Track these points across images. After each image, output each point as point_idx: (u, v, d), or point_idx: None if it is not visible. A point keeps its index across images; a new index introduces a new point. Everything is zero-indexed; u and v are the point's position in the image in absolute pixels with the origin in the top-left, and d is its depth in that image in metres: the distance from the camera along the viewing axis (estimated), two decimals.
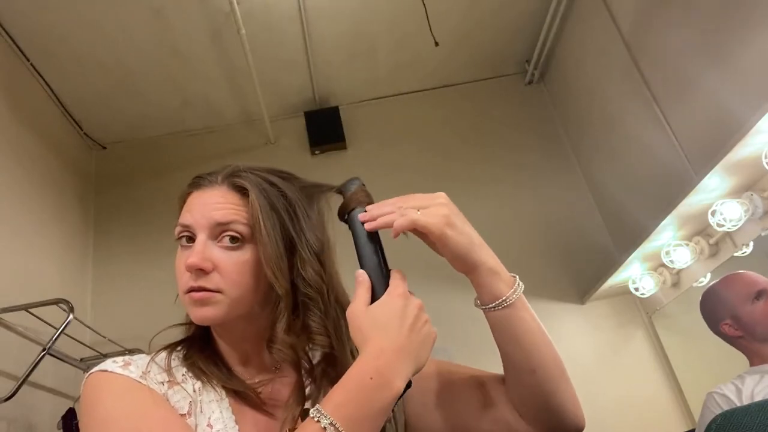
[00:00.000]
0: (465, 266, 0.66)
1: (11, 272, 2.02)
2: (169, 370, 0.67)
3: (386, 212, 0.64)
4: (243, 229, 0.66)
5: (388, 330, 0.58)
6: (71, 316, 1.80)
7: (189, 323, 0.73)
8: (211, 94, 2.86)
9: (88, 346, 2.24)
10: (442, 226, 0.63)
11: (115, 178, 2.92)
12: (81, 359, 2.15)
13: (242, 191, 0.67)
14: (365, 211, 0.66)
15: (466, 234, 0.65)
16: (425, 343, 0.60)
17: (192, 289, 0.64)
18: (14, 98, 2.31)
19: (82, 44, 2.42)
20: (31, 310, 1.89)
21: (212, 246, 0.66)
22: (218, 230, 0.66)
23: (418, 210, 0.63)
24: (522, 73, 3.11)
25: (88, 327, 2.28)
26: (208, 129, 3.04)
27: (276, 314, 0.66)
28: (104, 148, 3.00)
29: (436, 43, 2.49)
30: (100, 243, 2.75)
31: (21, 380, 1.68)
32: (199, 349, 0.71)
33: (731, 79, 1.76)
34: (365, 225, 0.65)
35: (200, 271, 0.64)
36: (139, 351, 2.17)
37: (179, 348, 0.71)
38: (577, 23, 2.66)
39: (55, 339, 1.74)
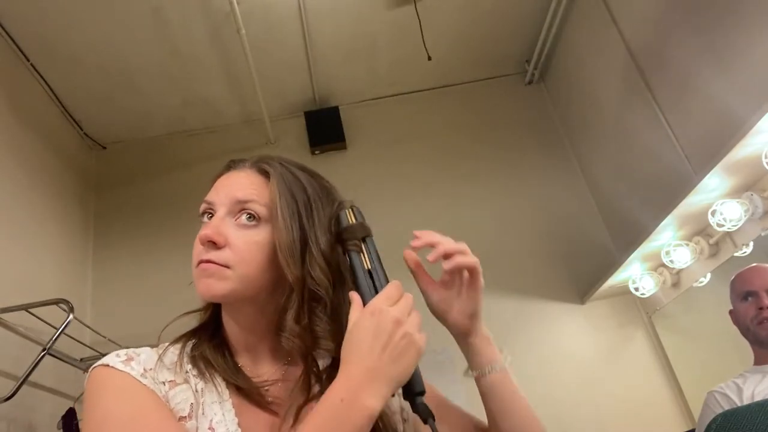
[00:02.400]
0: (472, 326, 0.69)
1: (11, 272, 2.02)
2: (177, 366, 0.66)
3: (439, 239, 0.67)
4: (261, 209, 0.67)
5: (359, 351, 0.57)
6: (71, 316, 1.80)
7: (201, 309, 0.73)
8: (211, 94, 2.86)
9: (88, 346, 2.24)
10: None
11: (115, 178, 2.92)
12: (81, 359, 2.15)
13: (267, 175, 0.70)
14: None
15: None
16: (403, 357, 0.58)
17: (202, 261, 0.65)
18: (14, 98, 2.31)
19: (83, 44, 2.42)
20: (31, 310, 1.89)
21: (229, 222, 0.67)
22: (237, 207, 0.67)
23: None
24: (522, 73, 3.11)
25: (88, 327, 2.28)
26: (208, 129, 3.04)
27: (287, 303, 0.66)
28: (104, 148, 3.00)
29: (429, 58, 2.49)
30: (100, 243, 2.75)
31: (21, 380, 1.68)
32: (209, 337, 0.71)
33: (731, 79, 1.76)
34: (416, 242, 0.68)
35: (212, 244, 0.65)
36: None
37: (189, 341, 0.71)
38: (577, 23, 2.66)
39: (55, 339, 1.74)
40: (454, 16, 2.64)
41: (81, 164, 2.84)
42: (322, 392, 0.65)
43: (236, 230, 0.66)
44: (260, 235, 0.67)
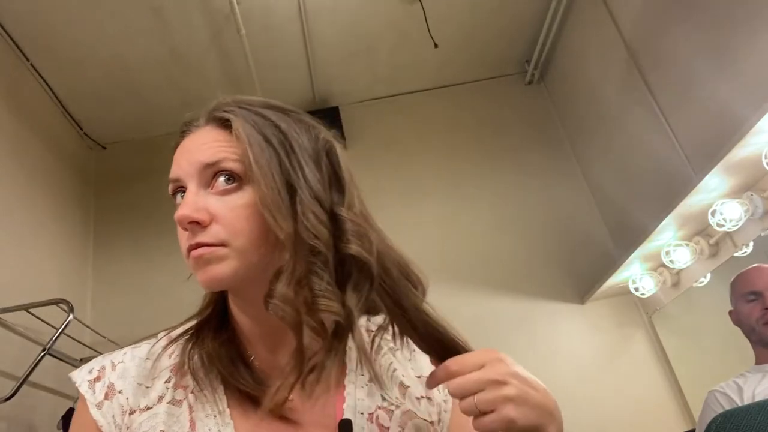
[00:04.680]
0: None
1: (11, 272, 2.02)
2: (170, 374, 0.60)
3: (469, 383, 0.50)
4: (236, 166, 0.56)
5: None
6: (71, 316, 1.79)
7: (204, 307, 0.64)
8: (211, 94, 2.83)
9: (88, 346, 2.24)
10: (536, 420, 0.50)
11: (115, 178, 2.92)
12: (81, 359, 2.15)
13: (228, 125, 0.59)
14: None
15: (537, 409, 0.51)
16: None
17: (192, 247, 0.55)
18: (14, 98, 2.31)
19: (82, 44, 2.42)
20: (31, 310, 1.89)
21: (205, 195, 0.56)
22: (208, 173, 0.56)
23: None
24: (522, 73, 3.11)
25: (88, 327, 2.28)
26: None
27: (281, 267, 0.54)
28: (104, 148, 3.00)
29: (435, 45, 2.50)
30: (100, 243, 2.75)
31: (21, 380, 1.67)
32: (213, 332, 0.61)
33: (731, 78, 1.76)
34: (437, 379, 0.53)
35: (196, 225, 0.54)
36: None
37: (191, 341, 0.61)
38: (577, 23, 2.66)
39: (55, 339, 1.74)
40: (454, 16, 2.64)
41: (81, 164, 2.84)
42: (321, 365, 0.54)
43: (217, 200, 0.55)
44: (246, 196, 0.55)
